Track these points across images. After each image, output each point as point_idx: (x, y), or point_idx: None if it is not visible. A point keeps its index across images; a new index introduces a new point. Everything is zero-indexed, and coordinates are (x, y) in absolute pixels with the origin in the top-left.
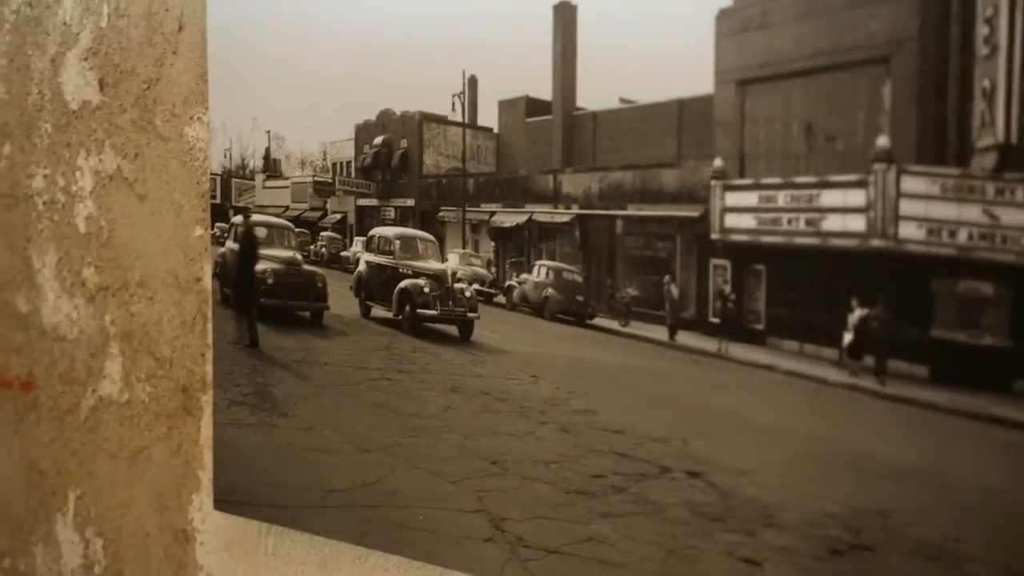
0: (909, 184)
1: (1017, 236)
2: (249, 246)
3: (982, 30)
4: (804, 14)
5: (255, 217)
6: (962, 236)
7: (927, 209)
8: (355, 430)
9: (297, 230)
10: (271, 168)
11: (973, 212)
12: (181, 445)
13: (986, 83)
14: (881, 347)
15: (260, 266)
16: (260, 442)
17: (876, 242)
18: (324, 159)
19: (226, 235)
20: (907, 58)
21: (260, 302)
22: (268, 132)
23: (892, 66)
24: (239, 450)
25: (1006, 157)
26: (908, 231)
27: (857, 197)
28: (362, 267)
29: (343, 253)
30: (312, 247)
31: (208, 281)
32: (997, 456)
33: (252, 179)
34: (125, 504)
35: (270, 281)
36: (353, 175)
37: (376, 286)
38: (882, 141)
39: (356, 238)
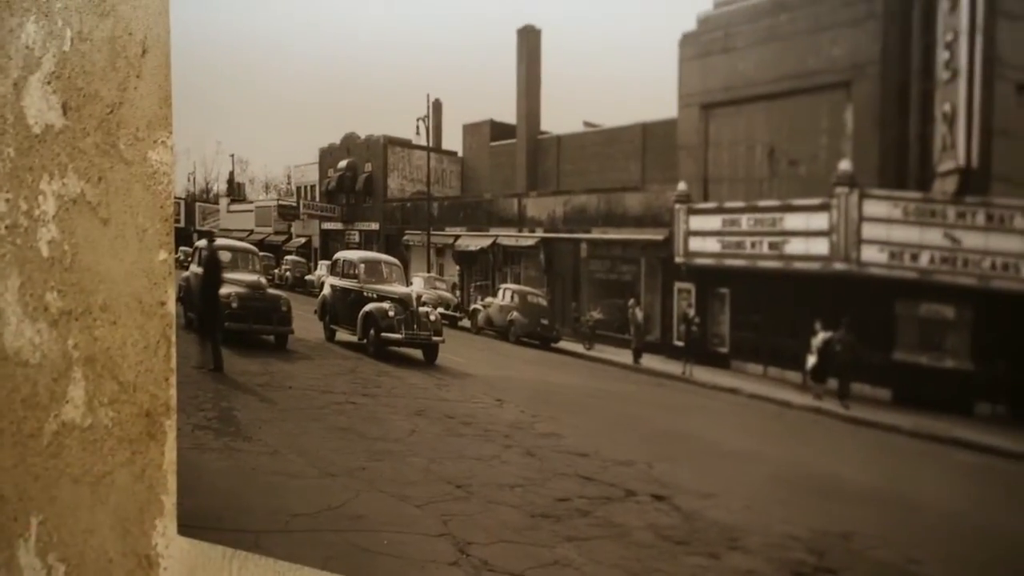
0: (871, 208)
1: (978, 259)
2: (213, 270)
3: (942, 55)
4: (767, 38)
5: (219, 241)
6: (924, 259)
7: (889, 233)
8: (320, 454)
9: (261, 254)
10: (235, 192)
11: (935, 236)
12: (144, 470)
13: (947, 107)
14: (844, 370)
15: (224, 290)
16: (224, 466)
17: (839, 265)
18: (288, 183)
19: (190, 259)
20: (869, 82)
21: (224, 326)
22: (232, 156)
23: (854, 90)
24: (203, 475)
25: (967, 181)
26: (870, 254)
27: (820, 221)
28: (327, 291)
29: (307, 277)
30: (276, 271)
31: (172, 305)
32: (959, 479)
33: (216, 203)
34: (88, 530)
35: (234, 305)
36: (317, 199)
37: (341, 310)
38: (844, 165)
39: (320, 262)
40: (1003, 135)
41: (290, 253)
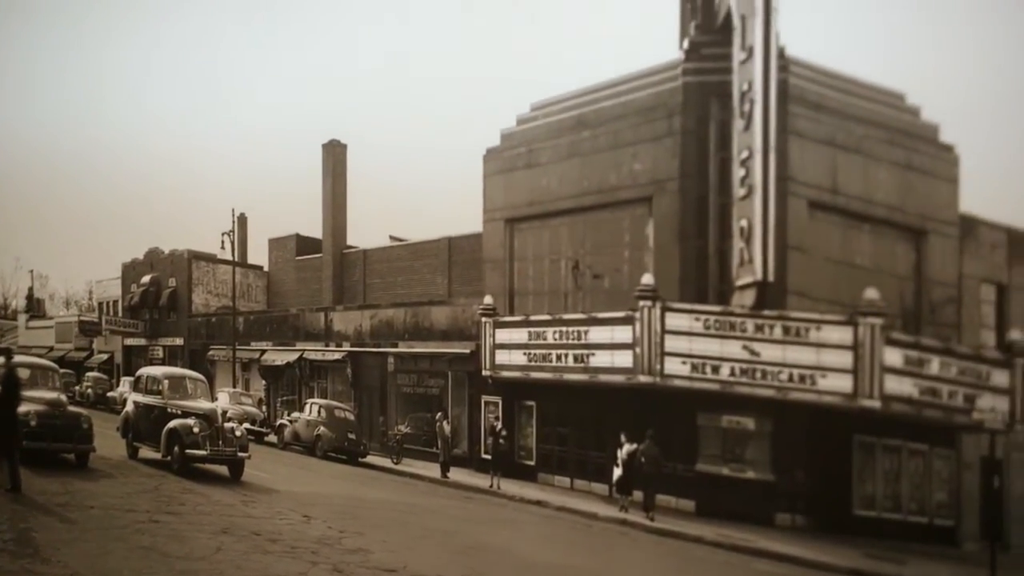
0: (673, 321)
1: (776, 371)
2: (11, 388)
3: (738, 172)
4: (569, 154)
5: (17, 358)
6: (724, 371)
7: (691, 345)
8: (122, 575)
9: (62, 371)
10: (34, 308)
11: (734, 348)
12: None
13: (744, 223)
14: (649, 482)
15: (22, 408)
16: None
17: (643, 378)
18: (90, 298)
19: None
20: (669, 198)
21: (23, 445)
22: (32, 271)
23: (655, 205)
24: None
25: (764, 295)
26: (673, 367)
27: (624, 333)
28: (130, 407)
29: (110, 393)
30: (78, 388)
31: None
32: None
33: (15, 319)
34: None
35: (33, 423)
36: (120, 314)
37: (144, 427)
38: (647, 279)
39: (124, 378)
40: (797, 250)
41: (92, 369)
